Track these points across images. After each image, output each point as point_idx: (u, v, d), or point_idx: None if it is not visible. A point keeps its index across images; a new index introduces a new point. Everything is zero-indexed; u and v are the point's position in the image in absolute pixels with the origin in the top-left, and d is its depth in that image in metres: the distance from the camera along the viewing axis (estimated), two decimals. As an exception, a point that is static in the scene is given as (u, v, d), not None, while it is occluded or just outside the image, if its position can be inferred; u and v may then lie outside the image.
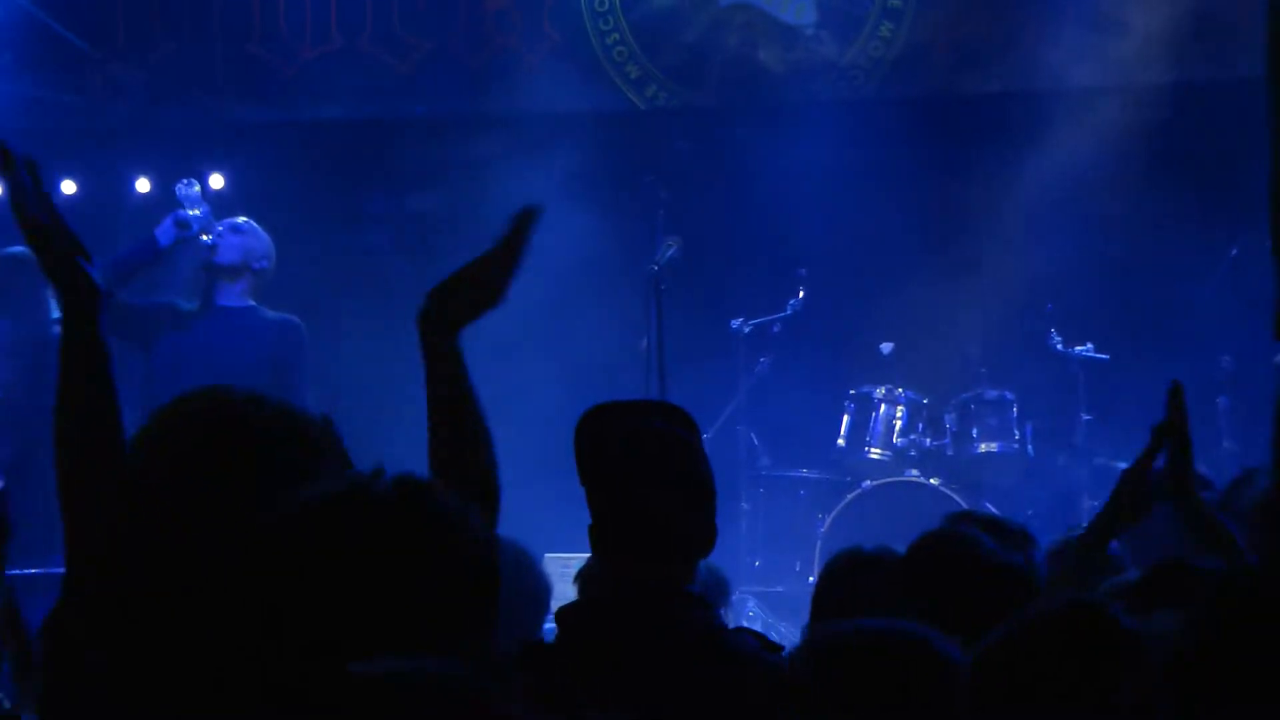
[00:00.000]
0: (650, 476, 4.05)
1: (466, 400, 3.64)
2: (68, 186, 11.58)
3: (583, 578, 5.15)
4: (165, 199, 10.88)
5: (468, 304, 3.70)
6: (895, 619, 3.27)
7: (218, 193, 10.88)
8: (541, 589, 4.97)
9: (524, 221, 3.78)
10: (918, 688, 2.86)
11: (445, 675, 1.90)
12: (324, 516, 2.51)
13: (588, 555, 4.55)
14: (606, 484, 4.09)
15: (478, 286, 3.66)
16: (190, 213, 8.27)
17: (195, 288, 8.65)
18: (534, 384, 10.41)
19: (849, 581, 4.54)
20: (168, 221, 8.32)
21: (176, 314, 8.38)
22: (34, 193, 3.45)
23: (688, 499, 4.07)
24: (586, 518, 4.13)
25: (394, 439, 6.95)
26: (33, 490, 5.61)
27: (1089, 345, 10.54)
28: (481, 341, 10.87)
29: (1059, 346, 10.58)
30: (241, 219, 8.66)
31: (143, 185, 11.60)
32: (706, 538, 4.06)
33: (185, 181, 8.43)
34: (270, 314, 8.55)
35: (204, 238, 8.37)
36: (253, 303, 8.54)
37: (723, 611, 5.28)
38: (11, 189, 3.29)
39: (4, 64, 11.41)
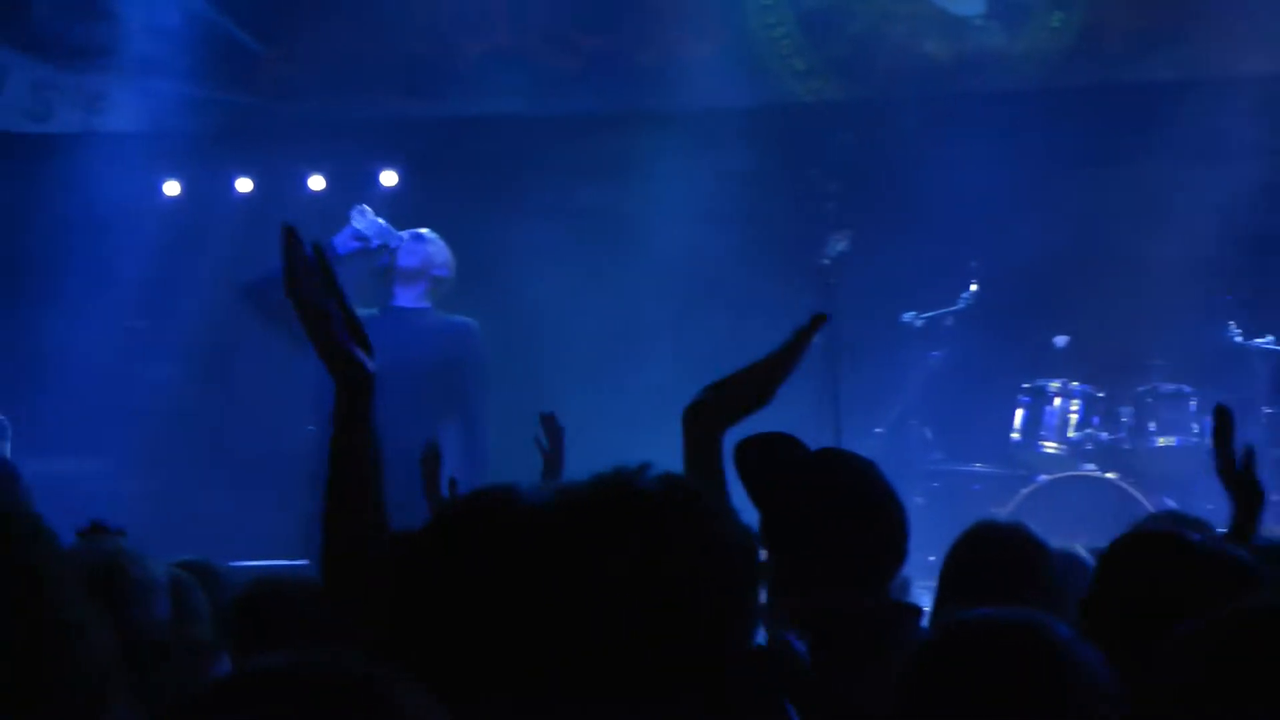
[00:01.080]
0: (848, 500, 4.07)
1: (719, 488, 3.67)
2: (243, 185, 11.81)
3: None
4: (336, 196, 11.32)
5: (738, 405, 3.83)
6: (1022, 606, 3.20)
7: (389, 189, 11.11)
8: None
9: (809, 330, 3.91)
10: (1041, 684, 2.73)
11: (343, 667, 1.78)
12: (594, 509, 2.50)
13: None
14: (799, 508, 4.08)
15: (750, 388, 3.83)
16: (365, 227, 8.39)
17: (368, 295, 8.74)
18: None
19: (980, 558, 4.57)
20: (346, 232, 8.46)
21: None
22: (315, 274, 3.32)
23: (895, 516, 4.09)
24: (750, 514, 4.04)
25: (589, 431, 7.09)
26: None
27: (1269, 338, 10.54)
28: (656, 337, 10.69)
29: (1238, 338, 10.54)
30: (425, 230, 8.73)
31: (315, 183, 11.76)
32: (898, 559, 4.08)
33: (359, 209, 8.55)
34: (446, 316, 8.65)
35: (383, 248, 8.48)
36: (429, 305, 8.65)
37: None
38: (289, 268, 3.24)
39: (179, 66, 11.48)
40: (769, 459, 4.21)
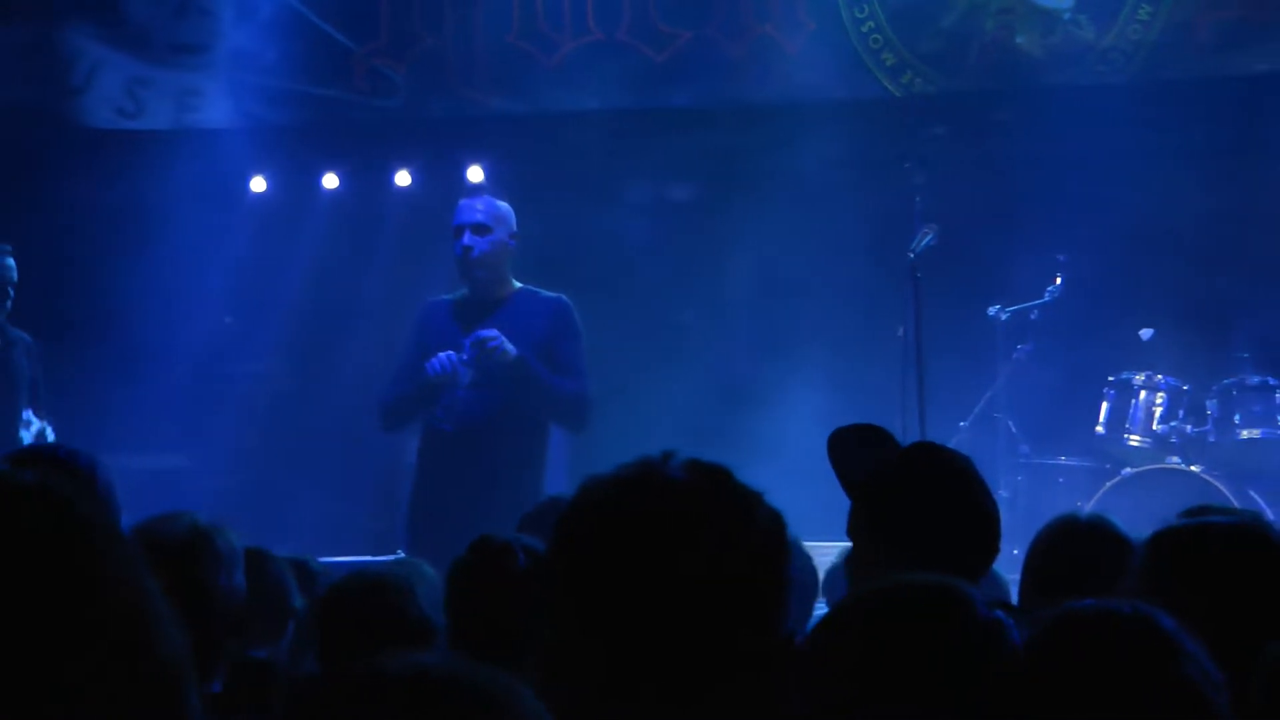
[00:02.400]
0: (958, 492, 4.13)
1: None
2: (330, 180, 11.91)
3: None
4: (423, 192, 11.56)
5: None
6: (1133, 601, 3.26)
7: (475, 185, 10.92)
8: (810, 576, 5.15)
9: None
10: (1158, 674, 2.69)
11: (476, 674, 1.77)
12: (621, 496, 2.50)
13: (843, 544, 4.62)
14: (915, 503, 4.13)
15: None
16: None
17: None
18: (794, 370, 10.57)
19: (1064, 551, 4.59)
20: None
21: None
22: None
23: (989, 511, 4.15)
24: (839, 504, 4.24)
25: (653, 423, 7.23)
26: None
27: None
28: (747, 329, 10.73)
29: None
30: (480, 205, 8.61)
31: (403, 178, 11.86)
32: (996, 545, 4.15)
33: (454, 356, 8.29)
34: (544, 294, 8.67)
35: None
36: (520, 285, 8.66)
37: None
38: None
39: (271, 61, 11.66)
40: (864, 449, 4.26)
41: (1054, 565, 4.52)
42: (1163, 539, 3.47)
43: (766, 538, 2.50)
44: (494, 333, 8.02)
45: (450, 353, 8.10)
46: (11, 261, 9.53)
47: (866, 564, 4.11)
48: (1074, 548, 4.58)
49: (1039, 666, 2.70)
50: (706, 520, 2.45)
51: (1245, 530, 3.64)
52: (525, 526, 5.12)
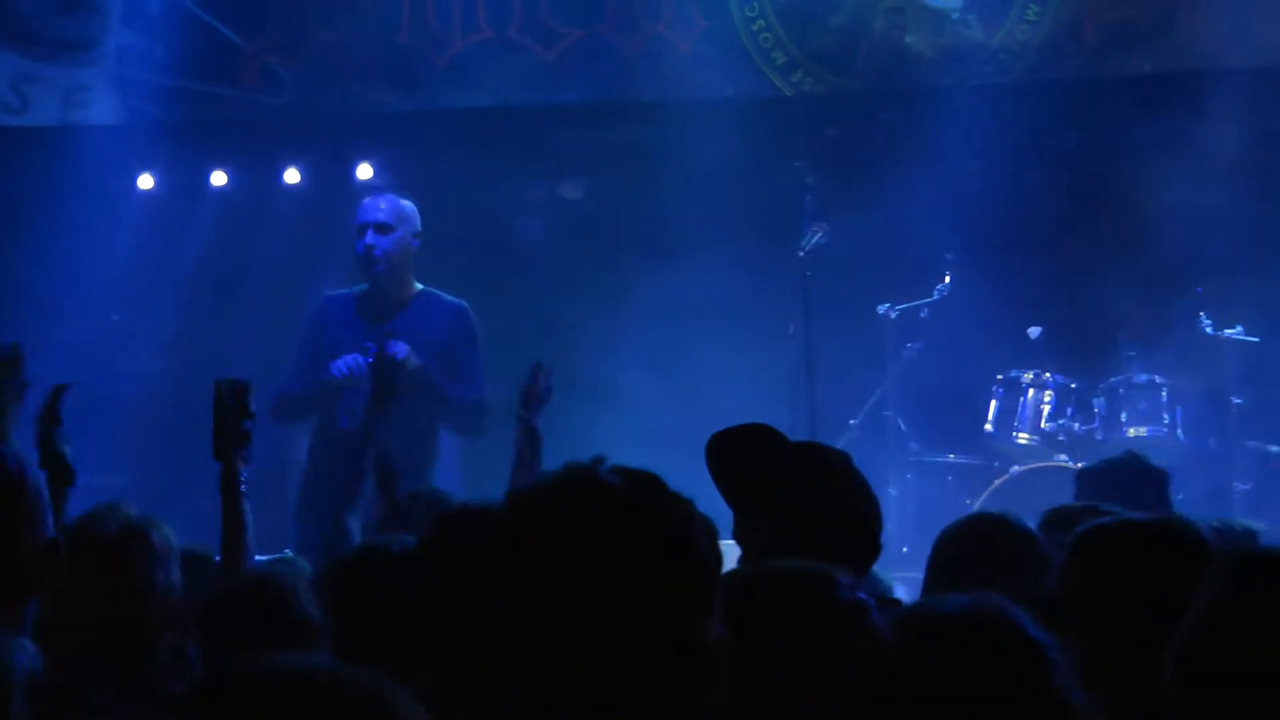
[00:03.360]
0: (834, 492, 4.13)
1: None
2: (218, 178, 11.81)
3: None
4: (312, 190, 11.57)
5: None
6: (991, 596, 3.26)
7: (365, 183, 11.10)
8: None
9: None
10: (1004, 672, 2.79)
11: (357, 677, 1.79)
12: (550, 501, 2.51)
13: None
14: (788, 503, 4.12)
15: None
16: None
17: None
18: (685, 369, 10.60)
19: (966, 549, 4.58)
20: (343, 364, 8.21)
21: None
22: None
23: (868, 509, 4.17)
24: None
25: (544, 423, 7.16)
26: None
27: (1239, 328, 10.45)
28: (638, 327, 10.58)
29: (1209, 329, 10.49)
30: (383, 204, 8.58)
31: (292, 176, 11.78)
32: (877, 545, 4.17)
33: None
34: (446, 298, 8.64)
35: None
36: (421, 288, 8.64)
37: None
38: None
39: (158, 57, 11.56)
40: (742, 454, 4.24)
41: (961, 563, 4.50)
42: (1089, 537, 3.45)
43: (701, 543, 2.50)
44: (403, 347, 7.92)
45: (356, 356, 8.04)
46: None
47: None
48: (982, 546, 4.55)
49: (895, 655, 2.83)
50: (644, 526, 2.46)
51: (1168, 528, 3.62)
52: (387, 523, 5.22)
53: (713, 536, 2.54)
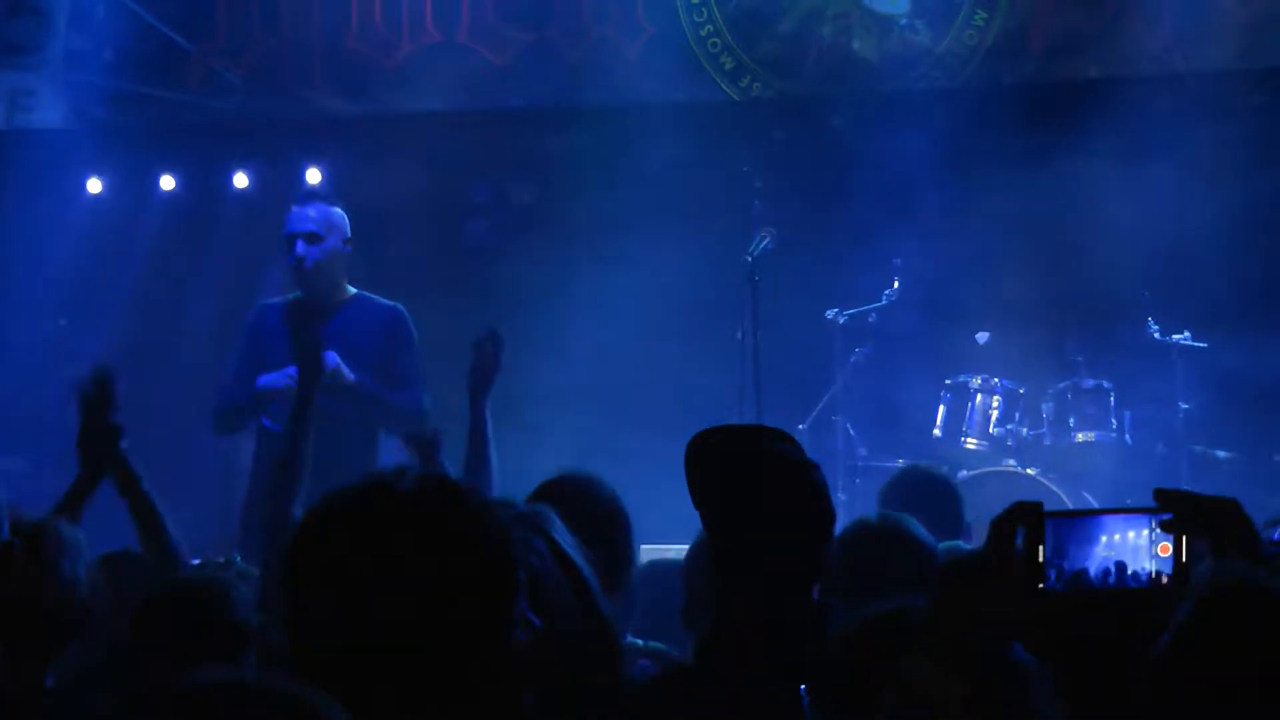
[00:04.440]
0: (779, 502, 4.00)
1: None
2: (166, 182, 11.87)
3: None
4: (261, 194, 11.64)
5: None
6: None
7: (314, 188, 10.80)
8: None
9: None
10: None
11: (272, 687, 1.84)
12: (349, 512, 2.52)
13: (684, 547, 4.71)
14: (740, 513, 4.02)
15: None
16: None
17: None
18: (633, 373, 10.62)
19: (859, 553, 4.62)
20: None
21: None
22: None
23: (818, 525, 4.04)
24: (682, 508, 4.10)
25: (509, 416, 7.15)
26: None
27: (1186, 334, 10.49)
28: (585, 331, 10.63)
29: (1156, 335, 10.53)
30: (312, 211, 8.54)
31: (240, 180, 11.82)
32: (821, 565, 4.04)
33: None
34: (379, 301, 8.60)
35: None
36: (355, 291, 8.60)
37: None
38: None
39: (105, 60, 11.62)
40: (714, 455, 4.11)
41: (851, 567, 4.49)
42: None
43: (493, 554, 2.52)
44: (332, 357, 7.80)
45: (289, 370, 7.86)
46: None
47: (727, 577, 4.01)
48: (869, 549, 4.61)
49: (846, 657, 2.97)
50: (433, 528, 2.48)
51: None
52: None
53: (506, 539, 2.56)
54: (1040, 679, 2.69)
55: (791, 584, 3.99)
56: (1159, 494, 2.64)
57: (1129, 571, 2.56)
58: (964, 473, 10.25)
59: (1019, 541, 2.52)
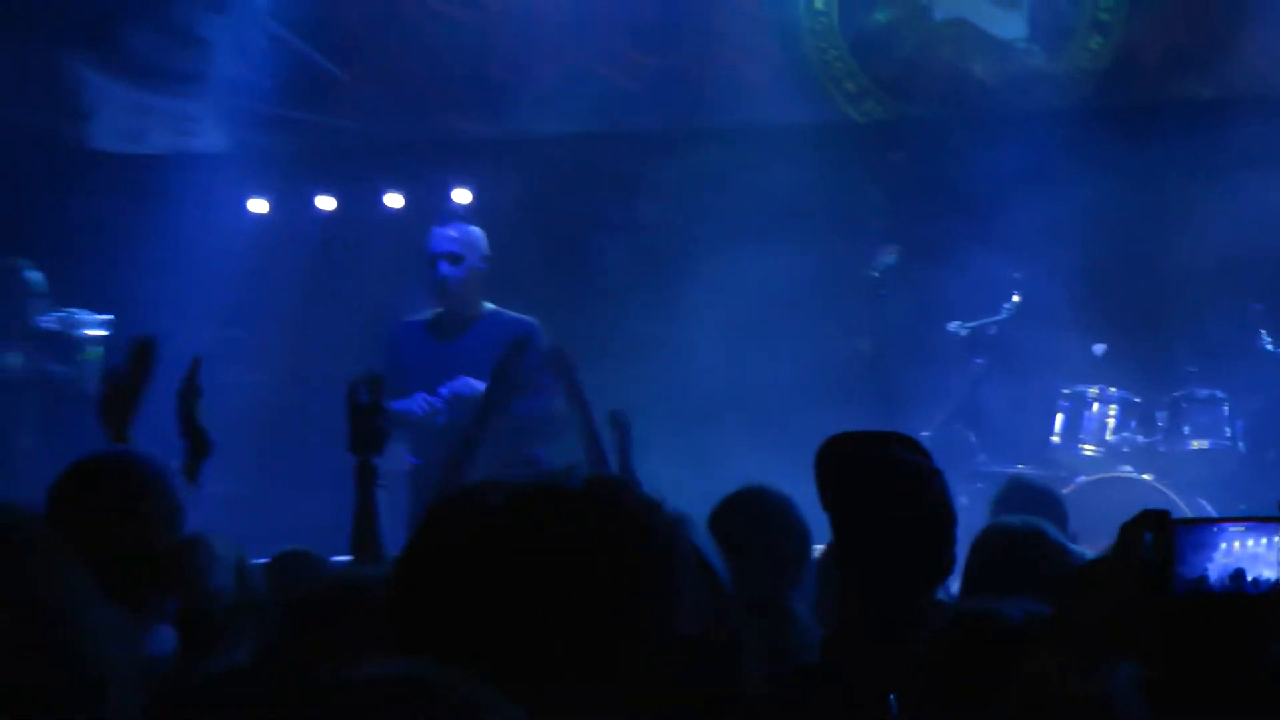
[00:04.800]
0: (901, 507, 4.06)
1: None
2: (324, 202, 12.01)
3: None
4: (412, 213, 11.73)
5: None
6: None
7: (462, 206, 11.17)
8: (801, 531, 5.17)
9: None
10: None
11: (441, 681, 1.78)
12: (516, 510, 2.47)
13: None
14: (864, 515, 4.09)
15: None
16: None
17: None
18: (764, 383, 10.72)
19: (998, 564, 4.59)
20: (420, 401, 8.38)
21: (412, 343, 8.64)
22: None
23: (938, 527, 4.11)
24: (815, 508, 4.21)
25: (645, 430, 7.29)
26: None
27: None
28: (713, 346, 10.69)
29: (1269, 346, 10.51)
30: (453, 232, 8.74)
31: (392, 200, 12.01)
32: (950, 561, 4.13)
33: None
34: (511, 316, 8.76)
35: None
36: (491, 307, 8.78)
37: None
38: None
39: (265, 89, 11.79)
40: (839, 462, 4.18)
41: (987, 571, 4.55)
42: None
43: (660, 547, 2.46)
44: (466, 386, 8.08)
45: (426, 398, 8.24)
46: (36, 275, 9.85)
47: (848, 575, 4.14)
48: (1005, 555, 4.58)
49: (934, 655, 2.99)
50: (603, 526, 2.43)
51: None
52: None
53: (675, 538, 2.49)
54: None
55: (913, 584, 4.03)
56: None
57: (1249, 578, 2.53)
58: (1082, 478, 10.21)
59: (1146, 547, 2.50)
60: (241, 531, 4.68)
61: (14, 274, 10.20)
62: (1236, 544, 2.53)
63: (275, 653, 4.09)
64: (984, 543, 4.74)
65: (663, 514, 2.48)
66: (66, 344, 10.17)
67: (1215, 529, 2.54)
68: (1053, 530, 4.81)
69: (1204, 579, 2.51)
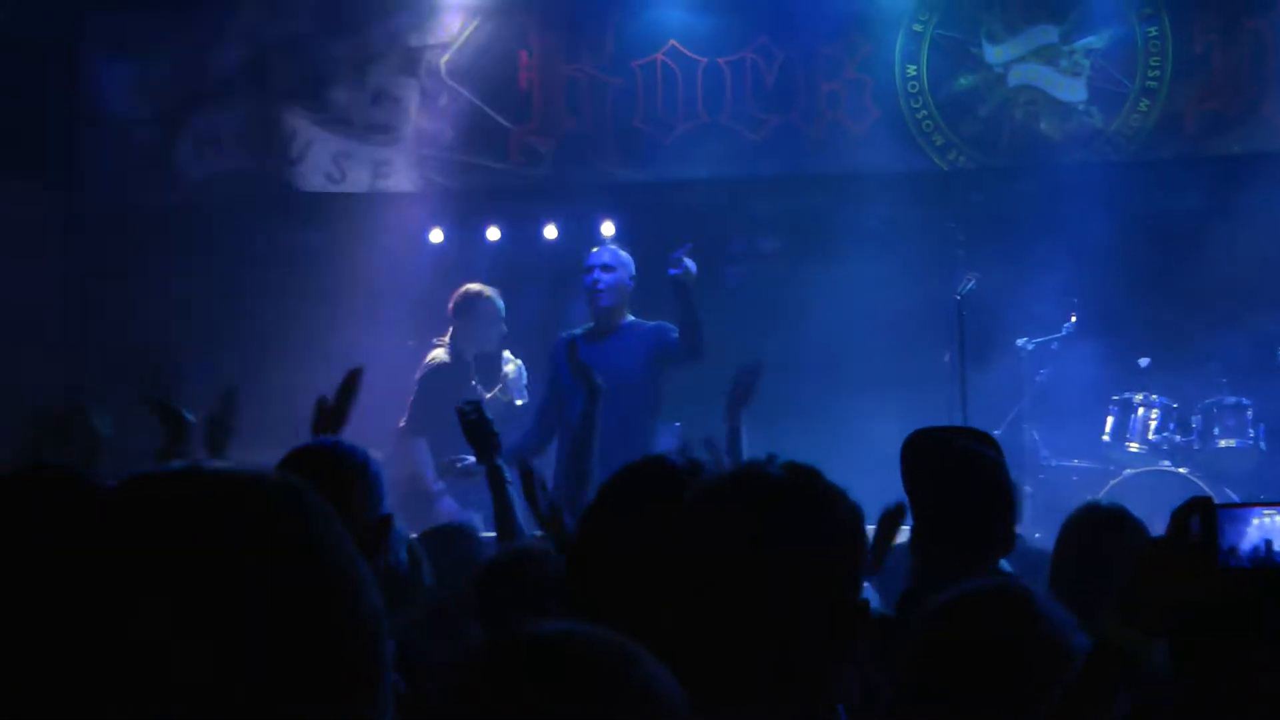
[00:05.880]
0: (972, 490, 4.25)
1: None
2: (493, 233, 12.39)
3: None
4: (565, 244, 12.06)
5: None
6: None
7: (609, 236, 11.45)
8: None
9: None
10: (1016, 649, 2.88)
11: (602, 638, 1.73)
12: (726, 496, 2.55)
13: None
14: (936, 495, 4.27)
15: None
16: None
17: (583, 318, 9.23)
18: (860, 391, 10.86)
19: (1090, 538, 4.69)
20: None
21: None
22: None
23: (997, 507, 4.28)
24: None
25: (761, 433, 7.47)
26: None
27: None
28: (820, 358, 11.10)
29: None
30: (608, 254, 9.06)
31: (550, 232, 12.40)
32: (1010, 537, 4.30)
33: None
34: (647, 324, 9.08)
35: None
36: (632, 318, 9.09)
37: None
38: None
39: (449, 139, 12.26)
40: (922, 452, 4.36)
41: (1088, 547, 4.65)
42: None
43: (850, 528, 2.55)
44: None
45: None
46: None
47: (926, 550, 4.33)
48: (1103, 533, 4.68)
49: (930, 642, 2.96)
50: (801, 510, 2.50)
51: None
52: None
53: (860, 521, 2.57)
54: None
55: (980, 555, 4.19)
56: None
57: (1277, 549, 2.60)
58: (1128, 471, 10.60)
59: (1194, 528, 2.56)
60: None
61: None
62: (1267, 520, 2.65)
63: (445, 616, 4.42)
64: (1071, 525, 4.83)
65: (849, 500, 2.55)
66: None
67: (1250, 511, 2.65)
68: (1133, 515, 4.89)
69: (1234, 550, 2.61)
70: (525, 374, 10.26)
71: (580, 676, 1.68)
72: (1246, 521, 2.66)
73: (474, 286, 10.04)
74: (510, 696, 1.67)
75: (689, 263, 8.54)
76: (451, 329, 10.08)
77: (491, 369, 10.16)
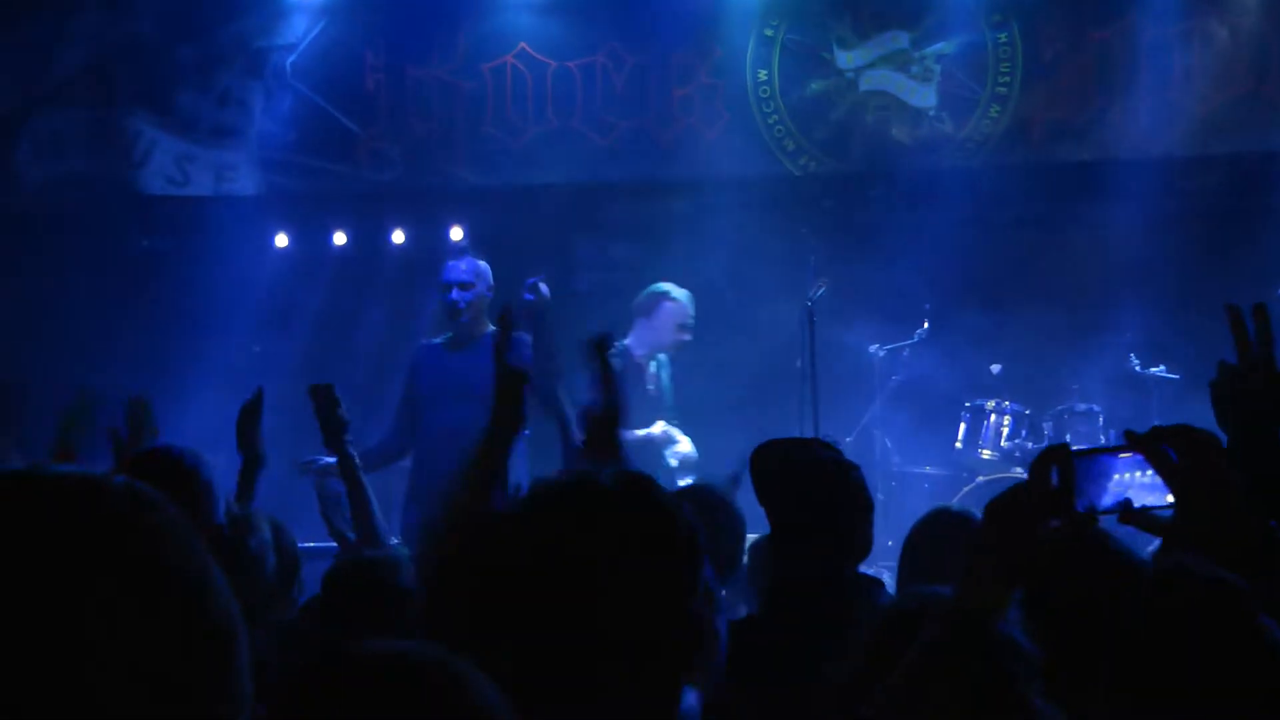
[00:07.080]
0: (824, 498, 4.22)
1: None
2: (339, 238, 12.15)
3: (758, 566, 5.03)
4: (412, 248, 11.75)
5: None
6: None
7: (463, 244, 11.01)
8: (739, 524, 5.14)
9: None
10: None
11: (429, 657, 1.70)
12: (554, 503, 2.47)
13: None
14: (789, 505, 4.23)
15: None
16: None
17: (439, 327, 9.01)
18: (712, 393, 10.65)
19: (934, 540, 4.64)
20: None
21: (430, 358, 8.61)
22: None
23: (854, 514, 4.26)
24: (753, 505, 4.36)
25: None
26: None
27: (1162, 367, 10.86)
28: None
29: (1137, 368, 10.89)
30: (464, 265, 8.80)
31: (398, 237, 12.17)
32: (867, 543, 4.30)
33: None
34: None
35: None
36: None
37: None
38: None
39: (291, 140, 12.05)
40: (774, 463, 4.31)
41: (928, 551, 4.60)
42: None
43: (685, 536, 2.46)
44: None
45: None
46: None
47: (783, 557, 4.30)
48: (947, 535, 4.60)
49: (894, 638, 2.85)
50: (633, 521, 2.41)
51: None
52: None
53: (695, 535, 2.46)
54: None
55: (833, 555, 4.18)
56: (1128, 434, 2.70)
57: (1136, 505, 2.66)
58: (980, 478, 10.66)
59: (1053, 477, 2.52)
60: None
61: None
62: (1126, 475, 2.67)
63: (316, 617, 4.31)
64: (921, 527, 4.75)
65: (685, 509, 2.47)
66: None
67: (1106, 460, 2.67)
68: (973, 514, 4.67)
69: (1093, 507, 2.61)
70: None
71: (404, 699, 1.65)
72: (1108, 477, 2.67)
73: (662, 286, 9.74)
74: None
75: (544, 288, 8.41)
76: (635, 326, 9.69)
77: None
